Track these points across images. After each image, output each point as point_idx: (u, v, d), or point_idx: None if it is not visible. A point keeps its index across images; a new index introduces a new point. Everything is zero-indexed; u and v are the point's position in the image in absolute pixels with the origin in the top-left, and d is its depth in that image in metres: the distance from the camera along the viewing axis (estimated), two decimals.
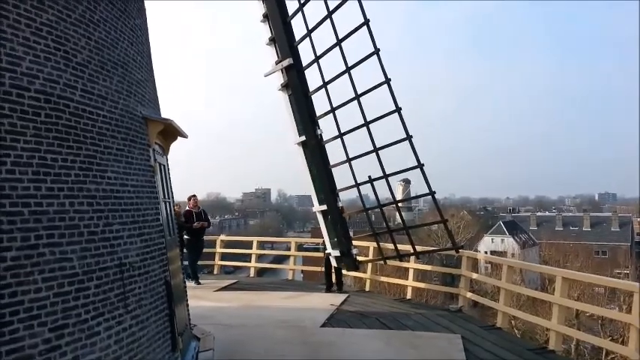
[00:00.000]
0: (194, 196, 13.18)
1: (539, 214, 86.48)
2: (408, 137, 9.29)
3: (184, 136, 7.11)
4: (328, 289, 12.15)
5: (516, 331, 25.81)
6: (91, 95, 4.80)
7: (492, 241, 67.44)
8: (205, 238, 13.72)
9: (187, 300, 7.59)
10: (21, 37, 4.08)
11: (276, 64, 10.97)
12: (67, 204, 4.28)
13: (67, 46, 4.54)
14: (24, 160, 3.96)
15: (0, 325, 3.57)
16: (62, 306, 4.05)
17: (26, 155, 3.98)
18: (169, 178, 7.23)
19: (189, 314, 7.55)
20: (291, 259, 15.27)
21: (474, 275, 11.06)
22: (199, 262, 14.00)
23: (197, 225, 12.63)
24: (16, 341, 3.65)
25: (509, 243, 63.03)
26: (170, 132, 6.76)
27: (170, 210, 6.94)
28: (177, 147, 7.44)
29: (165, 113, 7.13)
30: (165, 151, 7.06)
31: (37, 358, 3.77)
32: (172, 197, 7.38)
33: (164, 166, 6.89)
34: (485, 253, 47.35)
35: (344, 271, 12.24)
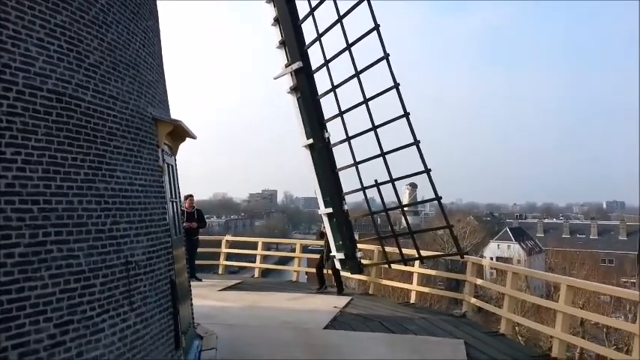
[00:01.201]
0: (190, 195, 13.22)
1: (546, 221, 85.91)
2: (416, 142, 9.30)
3: (193, 137, 7.19)
4: (320, 289, 12.48)
5: (520, 337, 25.67)
6: (102, 95, 4.87)
7: (498, 247, 67.15)
8: (210, 238, 13.79)
9: (192, 299, 7.65)
10: (35, 37, 4.16)
11: (286, 67, 11.02)
12: (76, 202, 4.35)
13: (80, 47, 4.62)
14: (35, 158, 4.03)
15: (6, 320, 3.63)
16: (68, 302, 4.12)
17: (37, 154, 4.05)
18: (177, 178, 7.30)
19: (193, 313, 7.61)
20: (296, 260, 15.31)
21: (479, 281, 11.05)
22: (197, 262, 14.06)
23: (186, 225, 12.69)
24: (22, 336, 3.72)
25: (515, 249, 62.72)
26: (179, 133, 6.83)
27: (177, 209, 7.00)
28: (185, 146, 7.51)
29: (173, 114, 7.22)
30: (173, 151, 7.13)
31: (42, 353, 3.84)
32: (179, 197, 7.45)
33: (172, 166, 6.96)
34: (491, 259, 47.11)
35: (348, 274, 12.26)
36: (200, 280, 13.19)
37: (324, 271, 12.73)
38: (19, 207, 3.85)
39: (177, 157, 7.40)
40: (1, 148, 3.78)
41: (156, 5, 6.90)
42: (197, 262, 13.92)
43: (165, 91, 7.03)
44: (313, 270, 16.07)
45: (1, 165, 3.76)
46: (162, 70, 6.93)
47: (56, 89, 4.29)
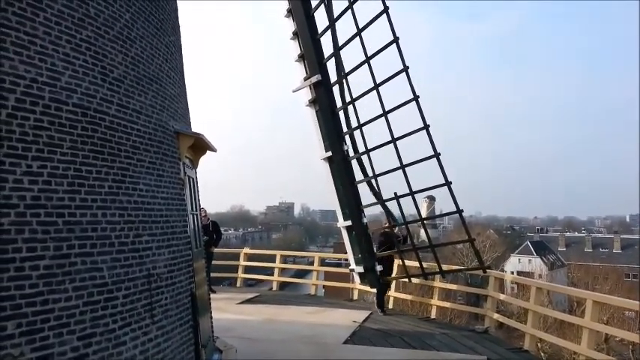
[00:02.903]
0: (202, 208, 13.27)
1: (568, 234, 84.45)
2: (436, 155, 9.23)
3: (213, 150, 7.22)
4: (382, 310, 11.62)
5: (543, 354, 25.12)
6: (126, 110, 4.93)
7: (519, 262, 66.12)
8: (228, 250, 13.76)
9: (211, 312, 7.64)
10: (61, 52, 4.23)
11: (305, 80, 11.07)
12: (100, 215, 4.39)
13: (104, 62, 4.69)
14: (60, 171, 4.08)
15: (31, 332, 3.65)
16: (91, 315, 4.13)
17: (62, 167, 4.10)
18: (198, 190, 7.34)
19: (212, 326, 7.59)
20: (314, 273, 15.24)
21: (502, 296, 10.85)
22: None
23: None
24: (46, 348, 3.74)
25: (536, 263, 61.62)
26: (200, 146, 6.87)
27: (197, 222, 7.02)
28: (203, 159, 7.55)
29: (194, 125, 7.28)
30: (194, 164, 7.17)
31: None
32: (199, 210, 7.47)
33: (193, 179, 7.00)
34: (512, 273, 46.37)
35: (368, 288, 12.14)
36: (214, 292, 13.19)
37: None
38: (44, 220, 3.89)
39: (197, 169, 7.44)
40: (27, 162, 3.84)
41: (178, 21, 7.00)
42: (213, 274, 13.94)
43: (187, 105, 7.10)
44: (331, 283, 16.00)
45: (27, 178, 3.82)
46: (184, 84, 7.01)
47: (81, 103, 4.35)
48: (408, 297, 14.55)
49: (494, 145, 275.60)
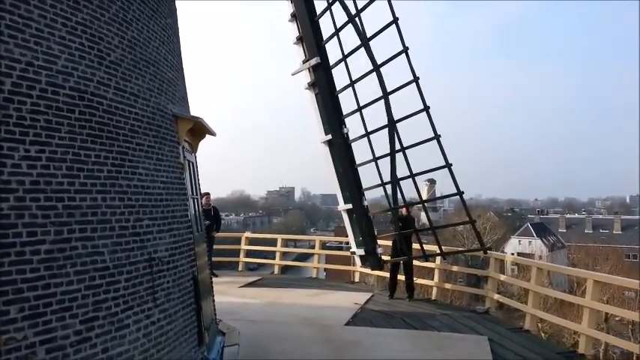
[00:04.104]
0: (207, 193, 13.25)
1: (568, 216, 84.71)
2: (437, 137, 9.20)
3: (213, 134, 7.19)
4: (391, 296, 11.48)
5: (543, 334, 25.31)
6: (124, 93, 4.89)
7: (520, 243, 66.36)
8: (229, 235, 13.80)
9: (213, 295, 7.68)
10: (57, 35, 4.18)
11: (303, 63, 10.99)
12: (100, 199, 4.38)
13: (100, 45, 4.63)
14: (58, 155, 4.05)
15: (33, 316, 3.67)
16: (93, 299, 4.14)
17: (60, 151, 4.07)
18: (197, 175, 7.32)
19: (215, 309, 7.64)
20: (315, 257, 15.31)
21: (502, 277, 10.90)
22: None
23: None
24: (49, 332, 3.75)
25: (537, 245, 61.89)
26: (199, 130, 6.84)
27: (198, 206, 7.02)
28: (203, 143, 7.52)
29: (193, 111, 7.23)
30: (193, 148, 7.14)
31: (69, 349, 3.86)
32: (200, 194, 7.47)
33: (192, 163, 6.98)
34: (512, 254, 46.56)
35: (368, 270, 12.19)
36: (216, 275, 13.25)
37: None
38: (44, 204, 3.87)
39: (196, 154, 7.41)
40: (25, 146, 3.81)
41: (174, 3, 6.91)
42: (215, 258, 14.00)
43: (185, 88, 7.05)
44: (332, 266, 16.08)
45: (26, 162, 3.79)
46: (182, 67, 6.95)
47: (78, 87, 4.31)
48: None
49: (497, 129, 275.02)
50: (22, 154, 3.79)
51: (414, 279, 11.60)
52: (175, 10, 6.92)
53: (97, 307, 4.16)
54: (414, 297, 11.44)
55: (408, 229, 10.88)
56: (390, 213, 11.15)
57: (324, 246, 16.39)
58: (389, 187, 10.40)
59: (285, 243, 17.18)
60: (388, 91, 9.69)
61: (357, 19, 9.93)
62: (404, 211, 10.91)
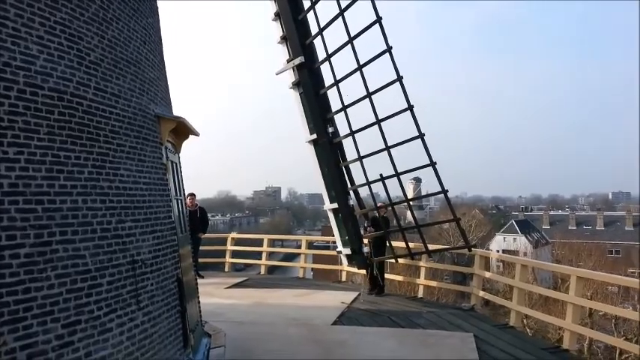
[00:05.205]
0: (192, 194, 13.17)
1: (552, 212, 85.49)
2: (421, 135, 9.24)
3: (196, 134, 7.14)
4: (372, 291, 11.61)
5: (528, 330, 25.57)
6: (104, 93, 4.82)
7: (504, 240, 66.95)
8: (215, 235, 13.74)
9: (199, 297, 7.62)
10: (35, 35, 4.11)
11: (288, 62, 10.96)
12: (80, 201, 4.31)
13: (80, 45, 4.56)
14: (37, 157, 3.98)
15: (14, 321, 3.60)
16: (75, 302, 4.08)
17: (40, 153, 4.00)
18: (181, 175, 7.26)
19: (200, 311, 7.58)
20: (302, 257, 15.28)
21: (487, 274, 10.99)
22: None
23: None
24: (30, 337, 3.69)
25: (521, 242, 62.43)
26: (182, 130, 6.78)
27: (182, 207, 6.96)
28: (188, 144, 7.46)
29: (175, 111, 7.16)
30: (177, 149, 7.08)
31: (50, 353, 3.80)
32: (184, 195, 7.40)
33: (176, 164, 6.91)
34: (497, 251, 46.99)
35: (355, 270, 12.21)
36: (202, 277, 13.15)
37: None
38: (22, 207, 3.81)
39: (180, 154, 7.35)
40: (3, 148, 3.74)
41: (156, 2, 6.83)
42: (201, 259, 13.90)
43: (167, 89, 6.98)
44: (319, 266, 16.07)
45: (3, 165, 3.72)
46: (164, 67, 6.88)
47: (57, 87, 4.24)
48: (397, 277, 14.67)
49: (482, 128, 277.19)
50: (0, 156, 3.71)
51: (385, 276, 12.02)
52: (157, 9, 6.85)
53: (79, 310, 4.10)
54: (384, 293, 11.77)
55: (379, 230, 10.92)
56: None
57: (311, 245, 16.37)
58: (373, 186, 10.41)
59: (272, 243, 17.15)
60: (372, 90, 9.69)
61: (340, 17, 9.92)
62: (379, 212, 10.94)
